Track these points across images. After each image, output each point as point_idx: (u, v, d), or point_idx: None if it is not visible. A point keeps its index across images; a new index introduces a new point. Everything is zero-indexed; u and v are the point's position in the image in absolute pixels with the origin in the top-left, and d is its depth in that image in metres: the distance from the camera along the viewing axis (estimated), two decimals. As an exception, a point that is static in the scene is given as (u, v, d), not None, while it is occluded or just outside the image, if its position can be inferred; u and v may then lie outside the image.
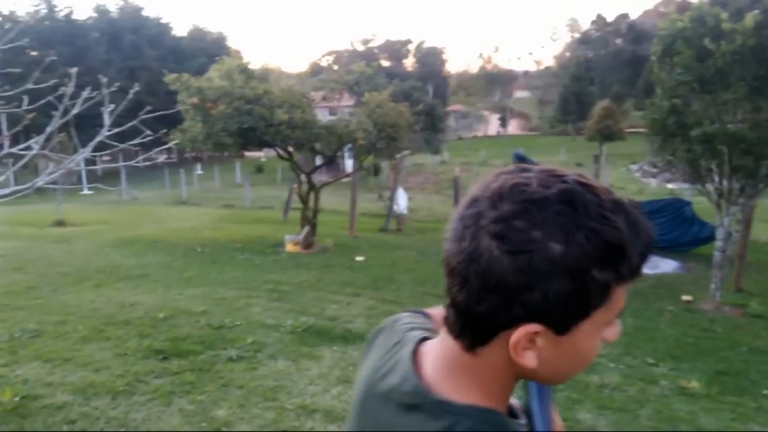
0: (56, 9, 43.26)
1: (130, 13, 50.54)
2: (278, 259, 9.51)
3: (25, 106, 2.48)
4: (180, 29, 74.47)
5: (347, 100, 23.47)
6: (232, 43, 62.79)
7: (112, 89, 2.28)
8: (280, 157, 10.91)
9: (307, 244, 10.60)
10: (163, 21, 54.88)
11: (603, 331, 0.67)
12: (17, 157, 2.22)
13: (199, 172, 34.44)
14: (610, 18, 73.39)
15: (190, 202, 22.93)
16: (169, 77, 8.96)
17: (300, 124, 9.34)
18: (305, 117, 9.49)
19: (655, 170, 31.31)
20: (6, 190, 2.16)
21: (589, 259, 0.60)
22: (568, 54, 77.44)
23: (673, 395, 4.36)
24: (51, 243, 10.27)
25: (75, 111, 2.23)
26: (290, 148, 10.46)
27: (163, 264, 8.46)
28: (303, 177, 11.20)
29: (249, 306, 6.08)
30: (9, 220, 14.28)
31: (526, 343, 0.64)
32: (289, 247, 10.38)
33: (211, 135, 8.91)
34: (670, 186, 26.56)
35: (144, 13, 52.00)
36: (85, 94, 2.27)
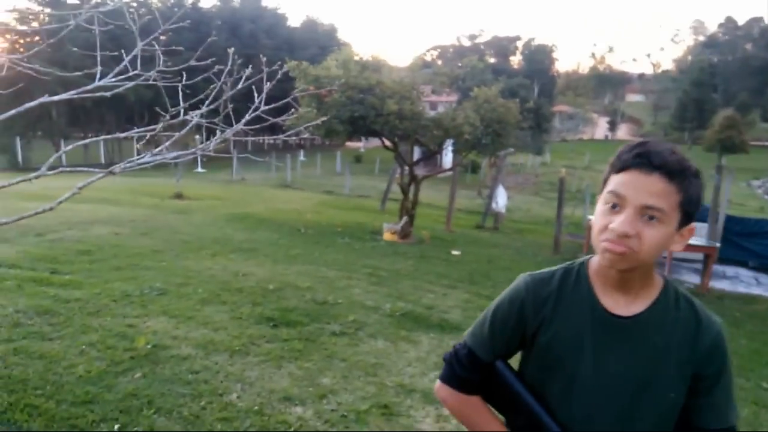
0: (185, -2, 46.32)
1: (251, 2, 53.18)
2: (376, 246, 9.75)
3: (184, 82, 2.76)
4: (294, 20, 77.20)
5: (450, 96, 23.40)
6: (341, 35, 64.35)
7: (270, 70, 2.50)
8: (385, 147, 11.14)
9: (405, 234, 10.78)
10: (280, 11, 57.29)
11: (603, 201, 1.13)
12: (184, 125, 2.48)
13: (303, 158, 35.73)
14: (741, 21, 67.70)
15: (293, 186, 23.92)
16: (290, 64, 9.37)
17: (408, 116, 9.49)
18: (414, 109, 9.64)
19: (781, 187, 28.76)
20: (172, 154, 2.43)
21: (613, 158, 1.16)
22: (690, 58, 72.50)
23: (791, 424, 4.07)
24: (171, 213, 11.15)
25: (240, 86, 2.47)
26: (396, 139, 10.66)
27: (271, 241, 8.95)
28: (405, 168, 11.37)
29: (350, 287, 6.32)
30: (133, 191, 15.61)
31: None
32: (387, 236, 10.61)
33: (324, 122, 9.26)
34: (797, 205, 24.32)
35: (263, 3, 54.58)
36: (247, 71, 2.50)
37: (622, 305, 1.19)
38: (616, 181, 1.11)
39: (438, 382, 1.33)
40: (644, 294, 1.19)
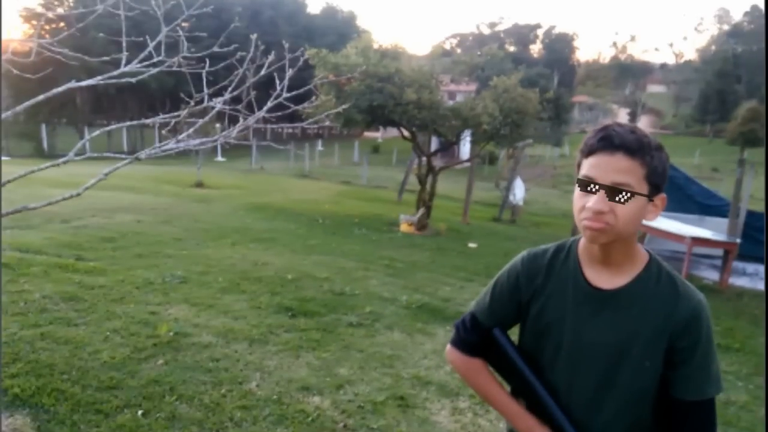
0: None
1: (271, -11, 53.02)
2: (393, 237, 9.79)
3: (206, 68, 2.79)
4: (313, 7, 76.88)
5: (468, 86, 23.21)
6: (360, 22, 64.15)
7: (283, 60, 2.51)
8: (403, 137, 11.13)
9: (421, 225, 10.80)
10: (300, -1, 57.09)
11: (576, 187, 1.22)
12: (206, 112, 2.52)
13: (321, 148, 35.81)
14: None
15: (311, 176, 24.02)
16: (310, 52, 9.31)
17: (427, 105, 9.46)
18: (432, 98, 9.61)
19: (806, 182, 28.20)
20: (195, 141, 2.47)
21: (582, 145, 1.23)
22: (713, 47, 71.13)
23: (810, 423, 4.04)
24: (192, 202, 11.30)
25: (262, 72, 2.50)
26: (414, 129, 10.64)
27: (289, 231, 9.03)
28: (423, 159, 11.36)
29: (367, 278, 6.37)
30: (155, 179, 15.79)
31: None
32: (404, 227, 10.64)
33: (343, 111, 9.25)
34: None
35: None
36: (270, 58, 2.52)
37: (605, 279, 1.28)
38: (586, 165, 1.20)
39: (448, 346, 1.47)
40: (628, 269, 1.27)
